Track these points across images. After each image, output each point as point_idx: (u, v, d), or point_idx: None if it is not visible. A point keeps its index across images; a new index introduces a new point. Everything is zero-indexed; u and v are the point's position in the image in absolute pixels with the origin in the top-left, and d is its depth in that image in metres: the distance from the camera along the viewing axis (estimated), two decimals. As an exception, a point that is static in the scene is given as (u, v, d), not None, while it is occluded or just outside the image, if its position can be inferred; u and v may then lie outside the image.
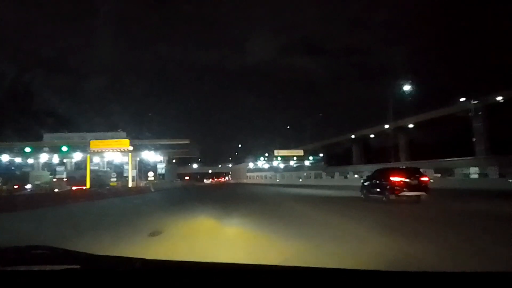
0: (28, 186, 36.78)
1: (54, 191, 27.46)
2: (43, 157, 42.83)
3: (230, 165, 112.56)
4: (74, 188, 32.01)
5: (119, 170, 43.21)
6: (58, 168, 43.98)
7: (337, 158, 69.88)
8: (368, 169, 35.53)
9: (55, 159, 43.04)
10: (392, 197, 13.01)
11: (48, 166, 45.36)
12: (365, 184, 15.89)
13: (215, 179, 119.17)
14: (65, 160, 45.24)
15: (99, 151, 38.51)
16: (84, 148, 38.62)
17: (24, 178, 41.27)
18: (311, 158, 69.36)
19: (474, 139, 42.29)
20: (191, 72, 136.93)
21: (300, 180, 57.33)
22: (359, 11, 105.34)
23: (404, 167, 16.50)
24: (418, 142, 50.75)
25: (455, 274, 1.51)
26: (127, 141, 38.61)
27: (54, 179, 41.07)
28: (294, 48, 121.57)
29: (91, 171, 39.70)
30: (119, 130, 45.74)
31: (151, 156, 44.10)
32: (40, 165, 45.19)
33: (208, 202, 16.09)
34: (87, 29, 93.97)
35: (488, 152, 39.41)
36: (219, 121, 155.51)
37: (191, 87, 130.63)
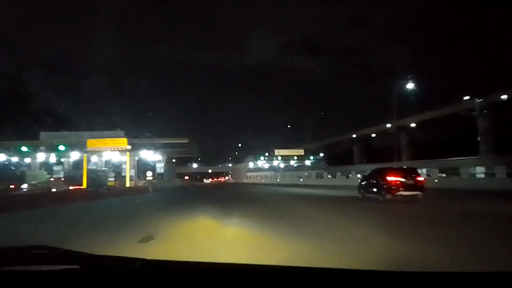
0: (25, 186, 36.70)
1: (46, 192, 27.39)
2: (40, 157, 42.71)
3: (230, 165, 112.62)
4: (71, 188, 32.02)
5: (118, 170, 43.16)
6: (55, 168, 43.83)
7: (338, 158, 69.89)
8: (371, 168, 35.48)
9: (53, 158, 42.95)
10: (389, 196, 13.28)
11: (46, 165, 45.28)
12: (362, 183, 16.20)
13: (215, 179, 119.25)
14: (62, 160, 45.10)
15: (96, 150, 38.32)
16: (82, 147, 38.51)
17: (21, 177, 41.26)
18: (311, 157, 69.39)
19: (479, 138, 42.17)
20: (191, 72, 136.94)
21: (301, 180, 57.33)
22: (359, 10, 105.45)
23: (400, 167, 16.69)
24: (420, 142, 50.74)
25: (455, 274, 1.53)
26: (124, 140, 38.32)
27: (52, 179, 41.01)
28: (294, 48, 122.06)
29: (89, 170, 39.67)
30: (118, 130, 45.67)
31: (150, 155, 44.04)
32: (37, 165, 45.12)
33: (207, 202, 16.09)
34: (86, 29, 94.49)
35: (492, 151, 39.30)
36: (219, 121, 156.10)
37: (191, 87, 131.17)
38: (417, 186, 13.27)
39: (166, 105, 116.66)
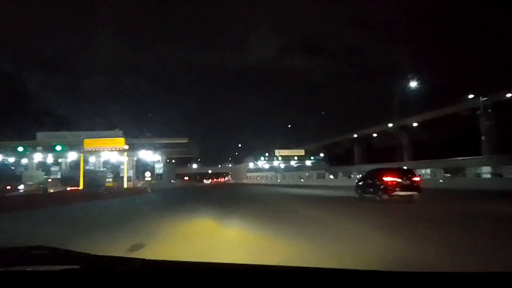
0: (21, 187, 36.65)
1: (41, 193, 27.33)
2: (37, 157, 42.64)
3: (230, 165, 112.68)
4: (68, 189, 32.00)
5: (117, 171, 43.07)
6: (53, 168, 43.68)
7: (338, 158, 69.94)
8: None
9: (50, 158, 42.86)
10: (385, 196, 13.58)
11: (43, 166, 45.21)
12: (359, 184, 16.51)
13: (215, 179, 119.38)
14: (60, 160, 45.04)
15: (93, 150, 37.96)
16: (79, 147, 38.33)
17: (17, 178, 41.24)
18: (312, 158, 69.43)
19: (483, 138, 42.06)
20: (191, 72, 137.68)
21: (302, 180, 57.32)
22: (360, 10, 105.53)
23: (397, 167, 16.95)
24: (421, 142, 50.76)
25: (455, 274, 1.55)
26: (122, 139, 37.86)
27: (50, 180, 40.95)
28: (295, 48, 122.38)
29: (87, 171, 39.57)
30: (117, 130, 45.59)
31: (149, 155, 43.97)
32: (34, 165, 45.07)
33: (206, 204, 16.06)
34: (86, 29, 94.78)
35: (497, 151, 39.17)
36: (219, 121, 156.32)
37: (191, 87, 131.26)
38: (413, 186, 13.55)
39: (166, 105, 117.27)
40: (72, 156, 41.03)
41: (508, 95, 39.43)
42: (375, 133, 60.16)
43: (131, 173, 43.47)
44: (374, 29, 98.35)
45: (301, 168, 67.69)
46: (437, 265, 4.17)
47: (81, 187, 33.04)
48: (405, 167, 16.30)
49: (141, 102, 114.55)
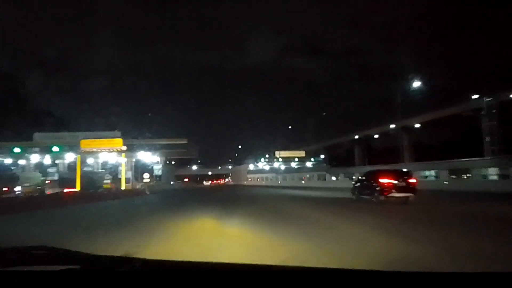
0: (18, 189, 36.52)
1: (36, 195, 27.24)
2: (34, 158, 42.57)
3: (230, 167, 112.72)
4: (66, 190, 31.92)
5: (115, 172, 43.01)
6: (50, 169, 43.63)
7: (339, 160, 70.09)
8: (374, 170, 35.34)
9: (47, 159, 42.82)
10: (381, 198, 13.89)
11: (40, 167, 45.11)
12: (356, 185, 16.99)
13: (215, 181, 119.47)
14: (57, 161, 44.94)
15: (90, 151, 37.85)
16: (77, 148, 38.28)
17: (14, 180, 41.14)
18: (312, 159, 69.50)
19: (488, 139, 41.94)
20: (191, 72, 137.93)
21: (303, 181, 57.33)
22: (360, 11, 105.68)
23: (393, 169, 17.22)
24: (423, 143, 50.84)
25: (455, 274, 1.57)
26: (120, 140, 37.69)
27: (48, 181, 40.89)
28: (295, 48, 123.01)
29: (84, 172, 39.50)
30: (116, 131, 45.51)
31: (147, 156, 43.92)
32: (32, 167, 45.00)
33: (205, 206, 16.05)
34: (86, 30, 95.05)
35: (502, 152, 39.06)
36: (219, 121, 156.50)
37: (191, 87, 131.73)
38: (409, 188, 13.85)
39: (165, 105, 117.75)
40: (69, 157, 40.90)
41: (512, 95, 39.40)
42: (377, 134, 60.17)
43: (129, 174, 43.40)
44: (374, 29, 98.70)
45: (302, 169, 67.74)
46: (421, 261, 4.34)
47: (78, 189, 32.98)
48: (404, 169, 16.51)
49: (141, 103, 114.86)
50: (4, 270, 1.66)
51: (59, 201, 18.61)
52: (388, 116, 51.59)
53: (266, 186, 54.10)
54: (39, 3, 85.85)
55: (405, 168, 38.75)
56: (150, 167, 46.07)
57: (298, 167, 69.43)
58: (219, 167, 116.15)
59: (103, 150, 37.71)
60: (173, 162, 73.23)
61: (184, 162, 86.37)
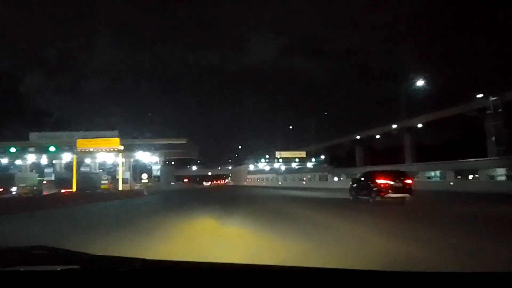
0: (14, 189, 36.43)
1: (29, 196, 27.13)
2: (31, 158, 42.38)
3: (230, 167, 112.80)
4: (63, 191, 31.87)
5: (114, 172, 42.90)
6: (47, 170, 43.38)
7: (339, 160, 70.15)
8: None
9: (44, 160, 42.64)
10: (378, 198, 14.24)
11: (38, 167, 44.96)
12: (354, 186, 17.38)
13: (215, 182, 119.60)
14: (54, 161, 44.82)
15: (86, 150, 37.34)
16: (73, 148, 38.02)
17: (10, 180, 41.05)
18: (313, 159, 69.53)
19: (493, 138, 41.79)
20: (191, 72, 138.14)
21: (304, 182, 57.34)
22: (360, 11, 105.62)
23: (389, 169, 17.36)
24: (424, 143, 50.81)
25: (455, 274, 1.60)
26: (117, 140, 36.85)
27: (45, 182, 40.80)
28: (295, 48, 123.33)
29: (81, 172, 39.41)
30: (115, 131, 45.40)
31: (146, 156, 43.76)
32: (28, 167, 44.87)
33: (204, 208, 15.98)
34: (85, 29, 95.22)
35: (508, 152, 38.86)
36: (219, 122, 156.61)
37: (191, 87, 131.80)
38: (405, 188, 14.15)
39: (165, 105, 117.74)
40: (66, 157, 40.58)
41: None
42: (379, 134, 60.16)
43: (127, 175, 43.33)
44: (374, 29, 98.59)
45: (302, 170, 67.76)
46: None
47: (74, 190, 32.73)
48: (400, 170, 16.72)
49: (140, 103, 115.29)
50: (4, 270, 1.68)
51: (40, 203, 17.14)
52: (389, 116, 51.69)
53: (266, 187, 54.11)
54: (39, 3, 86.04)
55: (408, 169, 38.81)
56: (149, 168, 45.93)
57: (299, 168, 69.45)
58: (219, 168, 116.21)
59: (99, 150, 37.25)
60: (172, 163, 73.27)
61: (183, 163, 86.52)
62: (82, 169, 43.24)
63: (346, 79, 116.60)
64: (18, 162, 44.44)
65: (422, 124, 51.23)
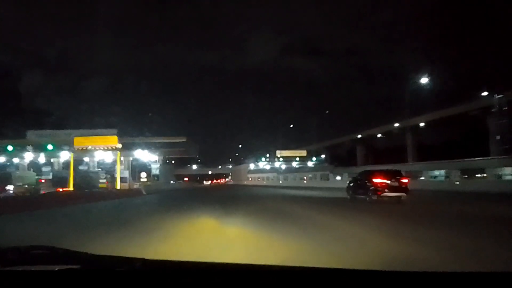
0: (10, 188, 36.37)
1: (23, 195, 27.08)
2: (28, 156, 42.37)
3: (231, 166, 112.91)
4: (60, 190, 31.82)
5: (112, 171, 42.81)
6: (44, 168, 43.39)
7: (340, 159, 70.17)
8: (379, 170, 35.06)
9: (42, 158, 42.64)
10: (374, 197, 14.56)
11: (35, 166, 44.96)
12: (351, 185, 17.72)
13: (215, 181, 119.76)
14: (52, 160, 44.83)
15: (84, 148, 37.28)
16: (71, 146, 37.95)
17: (7, 179, 41.02)
18: (314, 159, 69.54)
19: (498, 137, 41.65)
20: (191, 72, 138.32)
21: (305, 181, 57.32)
22: (360, 11, 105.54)
23: (386, 169, 17.46)
24: (426, 142, 50.76)
25: (455, 274, 1.61)
26: (115, 138, 36.71)
27: (43, 180, 40.79)
28: (295, 48, 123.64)
29: (79, 171, 39.38)
30: (114, 129, 45.30)
31: (145, 155, 43.69)
32: (26, 165, 44.91)
33: (203, 207, 15.97)
34: (85, 29, 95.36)
35: (509, 151, 38.77)
36: (219, 121, 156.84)
37: (191, 87, 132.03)
38: (401, 187, 14.46)
39: (165, 105, 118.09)
40: (64, 155, 40.53)
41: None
42: (380, 133, 60.15)
43: (126, 173, 43.31)
44: (374, 29, 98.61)
45: (303, 169, 67.77)
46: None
47: (71, 188, 32.71)
48: (396, 169, 16.85)
49: (140, 103, 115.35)
50: (4, 270, 1.69)
51: (39, 202, 17.03)
52: (389, 116, 51.66)
53: (267, 186, 54.12)
54: (39, 3, 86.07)
55: (411, 168, 38.73)
56: (148, 166, 45.90)
57: (300, 167, 69.44)
58: (219, 167, 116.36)
59: (97, 148, 37.21)
60: (172, 162, 73.32)
61: (184, 162, 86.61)
62: (80, 167, 43.22)
63: (346, 79, 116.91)
64: (16, 160, 44.45)
65: (425, 122, 51.19)
